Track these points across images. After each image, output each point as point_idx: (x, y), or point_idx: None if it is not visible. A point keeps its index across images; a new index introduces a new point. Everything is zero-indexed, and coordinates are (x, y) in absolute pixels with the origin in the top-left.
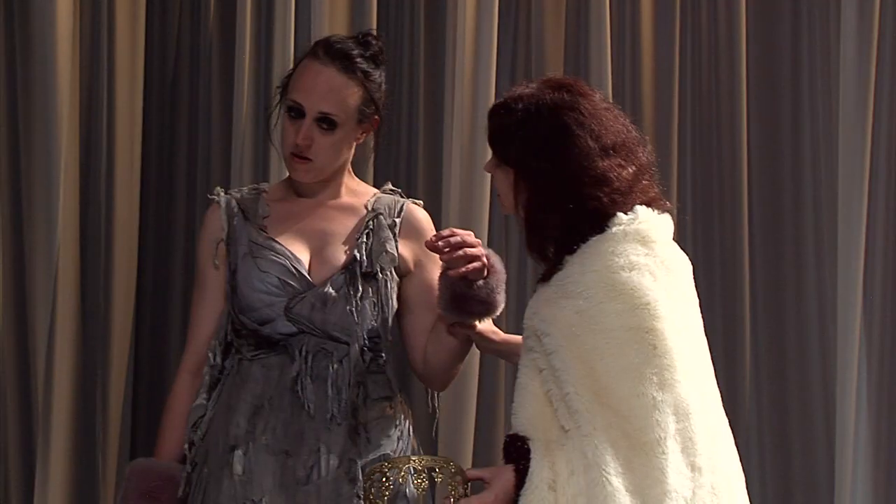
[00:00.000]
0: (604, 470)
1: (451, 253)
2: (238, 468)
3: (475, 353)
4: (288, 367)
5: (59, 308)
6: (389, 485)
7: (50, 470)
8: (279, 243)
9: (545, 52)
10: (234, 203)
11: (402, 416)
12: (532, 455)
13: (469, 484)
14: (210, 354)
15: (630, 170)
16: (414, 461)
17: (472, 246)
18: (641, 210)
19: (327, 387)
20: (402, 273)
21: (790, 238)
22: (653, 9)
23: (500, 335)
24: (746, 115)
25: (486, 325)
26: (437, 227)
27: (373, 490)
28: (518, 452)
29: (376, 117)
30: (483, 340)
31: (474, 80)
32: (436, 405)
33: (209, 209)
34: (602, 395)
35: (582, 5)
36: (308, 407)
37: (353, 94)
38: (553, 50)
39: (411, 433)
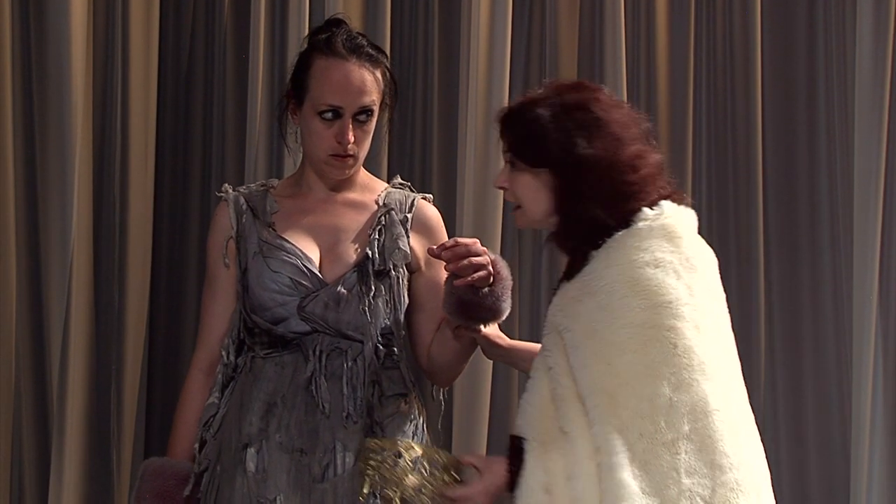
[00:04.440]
0: (619, 472)
1: (456, 262)
2: (251, 466)
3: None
4: (301, 365)
5: (74, 305)
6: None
7: (64, 467)
8: (290, 242)
9: (559, 50)
10: (242, 200)
11: (416, 412)
12: (527, 456)
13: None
14: (223, 353)
15: (654, 157)
16: (412, 450)
17: (478, 254)
18: (666, 205)
19: (342, 385)
20: (412, 269)
21: (805, 234)
22: (667, 7)
23: (506, 341)
24: (762, 113)
25: (492, 331)
26: (451, 225)
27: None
28: (514, 453)
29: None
30: (490, 346)
31: (488, 77)
32: (442, 398)
33: (218, 207)
34: (619, 393)
35: (596, 4)
36: (323, 406)
37: (380, 84)
38: (567, 48)
39: (425, 429)
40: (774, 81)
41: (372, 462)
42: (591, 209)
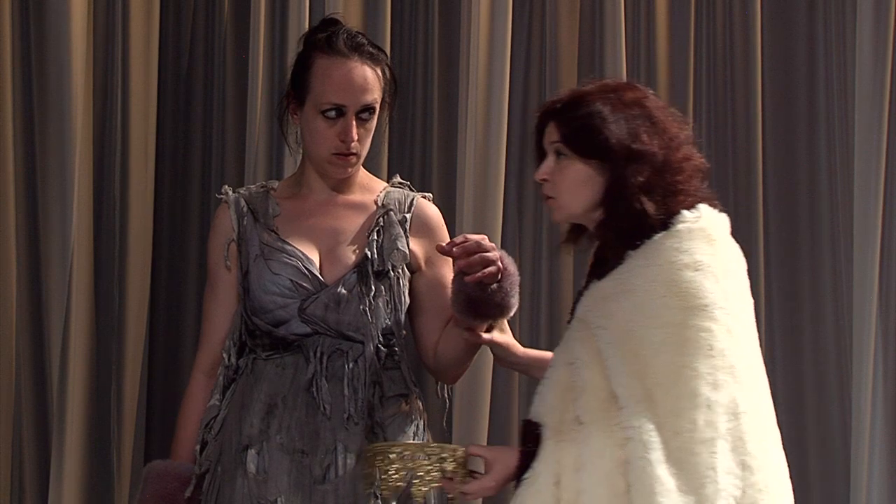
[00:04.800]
0: (656, 468)
1: (465, 259)
2: (251, 467)
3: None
4: (302, 366)
5: (74, 305)
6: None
7: (65, 466)
8: (290, 244)
9: (559, 50)
10: (242, 202)
11: (417, 413)
12: (543, 442)
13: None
14: (224, 355)
15: (699, 161)
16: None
17: (487, 251)
18: (704, 208)
19: (343, 387)
20: (413, 269)
21: (805, 233)
22: (667, 7)
23: (520, 349)
24: (762, 113)
25: (506, 339)
26: (451, 224)
27: (383, 475)
28: (530, 438)
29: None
30: (505, 354)
31: (488, 77)
32: (446, 396)
33: (218, 209)
34: (655, 392)
35: (596, 4)
36: (324, 407)
37: (381, 82)
38: (567, 48)
39: (426, 429)
40: (774, 81)
41: (378, 465)
42: (641, 203)
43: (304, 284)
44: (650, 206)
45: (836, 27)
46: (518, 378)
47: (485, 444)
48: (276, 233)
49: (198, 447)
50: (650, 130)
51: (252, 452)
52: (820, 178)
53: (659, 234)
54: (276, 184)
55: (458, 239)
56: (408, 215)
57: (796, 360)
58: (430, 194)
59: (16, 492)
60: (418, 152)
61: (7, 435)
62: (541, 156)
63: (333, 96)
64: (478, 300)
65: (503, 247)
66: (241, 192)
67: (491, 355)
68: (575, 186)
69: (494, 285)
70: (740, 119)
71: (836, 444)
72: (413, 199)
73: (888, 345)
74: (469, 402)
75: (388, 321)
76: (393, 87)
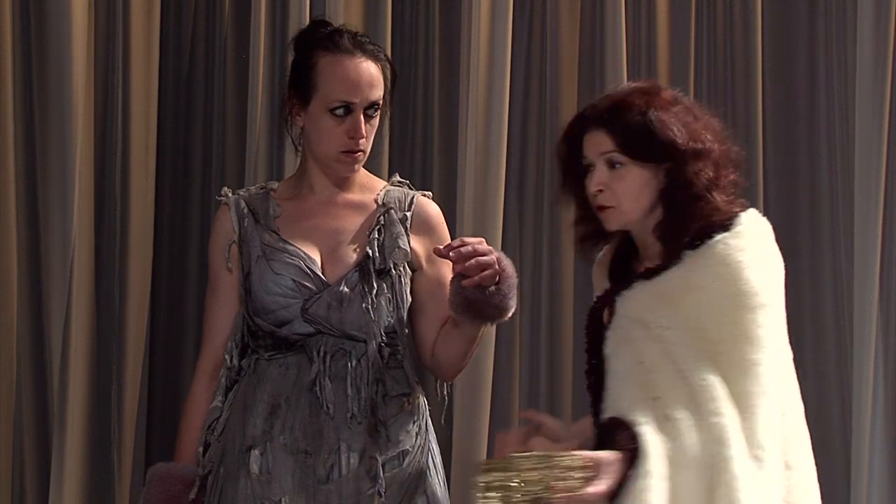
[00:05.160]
0: (734, 463)
1: (463, 262)
2: (255, 468)
3: (489, 346)
4: (305, 366)
5: (75, 306)
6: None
7: (65, 466)
8: (292, 244)
9: (560, 51)
10: (243, 204)
11: (420, 411)
12: (643, 440)
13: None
14: (227, 356)
15: (736, 153)
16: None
17: (484, 254)
18: (753, 210)
19: (346, 386)
20: (414, 268)
21: (805, 233)
22: (668, 7)
23: (567, 431)
24: (762, 113)
25: (553, 433)
26: (451, 224)
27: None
28: (625, 437)
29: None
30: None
31: (489, 77)
32: (445, 393)
33: (219, 211)
34: (729, 388)
35: (597, 4)
36: (327, 407)
37: (384, 79)
38: (568, 48)
39: (429, 427)
40: (775, 82)
41: (496, 483)
42: (709, 202)
43: (307, 284)
44: (719, 203)
45: (837, 27)
46: (519, 376)
47: (486, 442)
48: (277, 234)
49: (200, 449)
50: (707, 130)
51: (255, 453)
52: (820, 179)
53: (721, 234)
54: (275, 185)
55: (455, 242)
56: (408, 213)
57: (796, 359)
58: (430, 192)
59: (17, 492)
60: (419, 153)
61: (8, 435)
62: (570, 168)
63: (342, 93)
64: (476, 302)
65: (503, 247)
66: (241, 193)
67: (492, 354)
68: (637, 192)
69: (493, 287)
70: (740, 119)
71: (836, 444)
72: (413, 198)
73: (888, 345)
74: (470, 400)
75: (390, 319)
76: (393, 85)
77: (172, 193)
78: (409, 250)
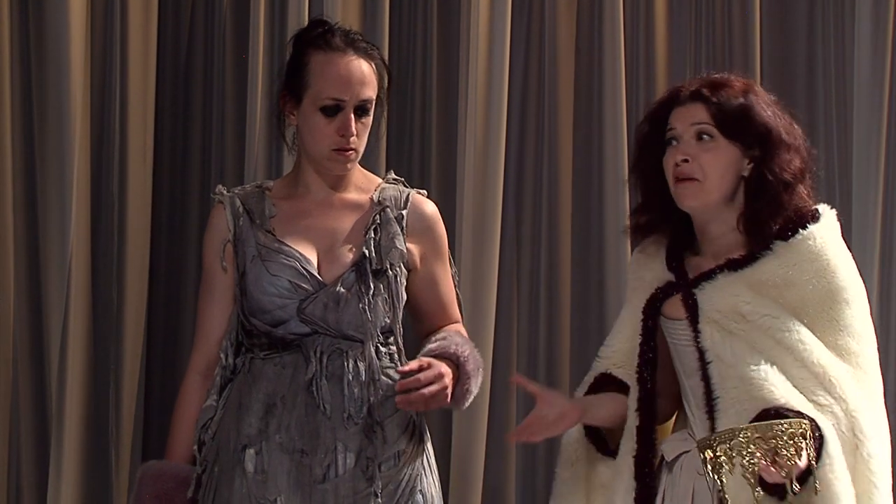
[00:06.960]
0: (869, 448)
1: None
2: (250, 467)
3: (487, 347)
4: (301, 365)
5: (73, 305)
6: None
7: (63, 466)
8: (288, 245)
9: (558, 50)
10: (238, 202)
11: (416, 411)
12: (825, 428)
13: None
14: (222, 355)
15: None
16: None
17: (430, 382)
18: (824, 204)
19: (343, 386)
20: (409, 268)
21: None
22: (666, 7)
23: (579, 409)
24: None
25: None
26: (450, 225)
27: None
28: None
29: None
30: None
31: (487, 76)
32: None
33: (213, 209)
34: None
35: (595, 4)
36: (324, 407)
37: (376, 77)
38: (566, 47)
39: (425, 428)
40: (773, 81)
41: (721, 457)
42: (796, 193)
43: (303, 285)
44: (805, 195)
45: (836, 27)
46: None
47: (484, 442)
48: (272, 234)
49: (195, 447)
50: (788, 123)
51: (251, 452)
52: (818, 179)
53: (813, 226)
54: (271, 183)
55: (402, 382)
56: (404, 212)
57: None
58: (426, 190)
59: (13, 491)
60: (417, 152)
61: (5, 435)
62: (649, 145)
63: (332, 91)
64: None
65: (502, 246)
66: (237, 191)
67: (490, 354)
68: (724, 168)
69: (448, 400)
70: None
71: None
72: (408, 196)
73: (888, 345)
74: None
75: (387, 319)
76: (388, 83)
77: (170, 194)
78: (405, 250)
